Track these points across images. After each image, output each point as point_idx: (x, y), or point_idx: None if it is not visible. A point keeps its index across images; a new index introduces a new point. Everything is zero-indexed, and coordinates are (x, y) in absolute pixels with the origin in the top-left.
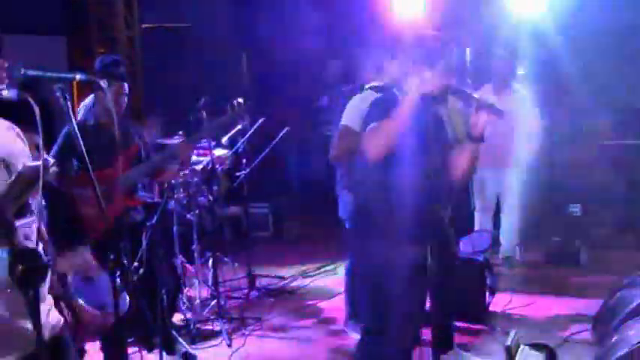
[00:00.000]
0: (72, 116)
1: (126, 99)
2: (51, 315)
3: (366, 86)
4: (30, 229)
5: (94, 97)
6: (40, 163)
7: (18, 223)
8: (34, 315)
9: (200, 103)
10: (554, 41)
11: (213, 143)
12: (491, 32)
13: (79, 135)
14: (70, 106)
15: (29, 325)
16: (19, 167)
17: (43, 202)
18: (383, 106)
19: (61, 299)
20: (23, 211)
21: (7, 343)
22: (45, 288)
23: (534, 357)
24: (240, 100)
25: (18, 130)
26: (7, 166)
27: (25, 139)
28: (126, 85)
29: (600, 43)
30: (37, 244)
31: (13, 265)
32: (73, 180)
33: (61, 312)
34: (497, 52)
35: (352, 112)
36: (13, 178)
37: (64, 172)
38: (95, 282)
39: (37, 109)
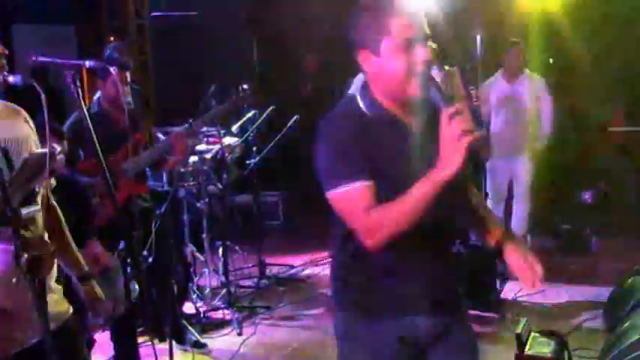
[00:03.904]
0: (82, 103)
1: (128, 87)
2: (58, 305)
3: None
4: (36, 217)
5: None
6: (46, 150)
7: (24, 211)
8: (41, 305)
9: (210, 90)
10: (564, 27)
11: (222, 132)
12: (501, 19)
13: (89, 122)
14: (80, 92)
15: (35, 315)
16: (23, 153)
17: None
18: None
19: (72, 289)
20: (30, 199)
21: (12, 333)
22: (52, 278)
23: (545, 344)
24: (246, 86)
25: (26, 115)
26: (6, 153)
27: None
28: (127, 73)
29: (610, 28)
30: (42, 232)
31: (19, 253)
32: (79, 168)
33: (75, 301)
34: (507, 39)
35: None
36: (19, 165)
37: (71, 160)
38: (105, 272)
39: (43, 95)
